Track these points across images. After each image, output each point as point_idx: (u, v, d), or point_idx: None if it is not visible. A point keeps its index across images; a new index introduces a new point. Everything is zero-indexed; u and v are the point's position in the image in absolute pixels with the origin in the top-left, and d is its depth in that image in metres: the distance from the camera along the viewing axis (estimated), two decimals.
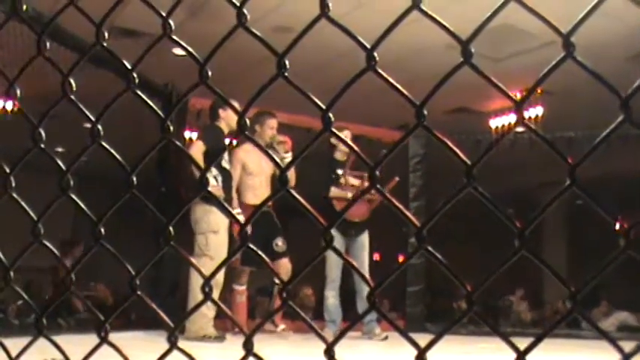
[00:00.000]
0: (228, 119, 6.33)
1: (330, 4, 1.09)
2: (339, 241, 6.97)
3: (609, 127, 0.94)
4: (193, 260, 5.77)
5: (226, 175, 6.43)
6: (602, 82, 0.95)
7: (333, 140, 6.95)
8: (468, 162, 1.03)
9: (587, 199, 0.94)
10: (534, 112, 10.79)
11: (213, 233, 6.10)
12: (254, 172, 7.00)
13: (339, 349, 1.06)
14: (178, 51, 8.60)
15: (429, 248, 1.05)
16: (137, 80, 1.27)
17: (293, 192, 1.14)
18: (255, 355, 1.14)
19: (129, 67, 1.27)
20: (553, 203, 0.98)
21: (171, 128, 1.27)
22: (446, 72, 1.04)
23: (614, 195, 5.38)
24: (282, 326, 7.16)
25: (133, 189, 1.26)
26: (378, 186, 1.09)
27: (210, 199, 5.32)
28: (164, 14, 1.24)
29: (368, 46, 1.09)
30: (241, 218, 6.57)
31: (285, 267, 6.92)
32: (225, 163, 6.44)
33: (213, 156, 5.83)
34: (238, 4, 1.16)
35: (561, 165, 0.99)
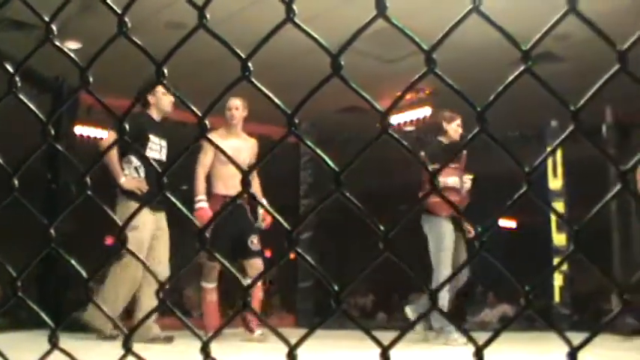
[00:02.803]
0: (159, 104, 5.98)
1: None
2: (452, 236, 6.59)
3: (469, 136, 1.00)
4: (117, 261, 5.40)
5: (151, 166, 6.01)
6: (460, 96, 1.00)
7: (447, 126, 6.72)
8: (336, 169, 1.06)
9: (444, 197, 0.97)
10: (422, 112, 11.11)
11: (133, 229, 5.49)
12: (223, 160, 6.31)
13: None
14: (72, 44, 8.41)
15: (299, 250, 1.08)
16: (24, 77, 1.25)
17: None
18: (135, 355, 1.13)
19: (11, 70, 1.25)
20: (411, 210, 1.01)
21: (52, 132, 1.24)
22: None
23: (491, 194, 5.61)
24: (258, 332, 6.35)
25: (16, 191, 1.23)
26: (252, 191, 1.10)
27: (132, 193, 5.09)
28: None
29: (243, 56, 1.10)
30: (205, 206, 6.26)
31: (256, 267, 6.38)
32: (153, 153, 5.85)
33: (132, 147, 5.52)
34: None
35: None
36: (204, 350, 1.09)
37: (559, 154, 11.90)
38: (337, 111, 10.78)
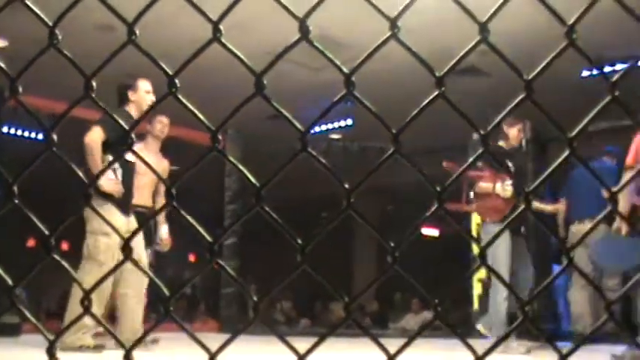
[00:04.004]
0: (139, 102, 5.77)
1: None
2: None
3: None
4: (82, 263, 5.26)
5: (127, 169, 5.77)
6: (377, 118, 1.04)
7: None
8: (257, 184, 1.08)
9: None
10: (344, 122, 11.21)
11: (104, 235, 5.47)
12: (141, 171, 6.38)
13: None
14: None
15: (220, 262, 1.10)
16: None
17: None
18: None
19: None
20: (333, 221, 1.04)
21: None
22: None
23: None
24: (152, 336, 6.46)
25: None
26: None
27: (109, 196, 4.77)
28: None
29: (170, 73, 1.12)
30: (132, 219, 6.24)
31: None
32: (128, 156, 5.63)
33: (115, 145, 5.30)
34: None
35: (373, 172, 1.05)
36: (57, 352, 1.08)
37: None
38: (265, 118, 10.78)
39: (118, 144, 5.24)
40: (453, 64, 1.07)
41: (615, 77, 1.05)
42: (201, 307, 13.46)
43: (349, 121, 11.02)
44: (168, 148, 6.92)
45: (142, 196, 6.47)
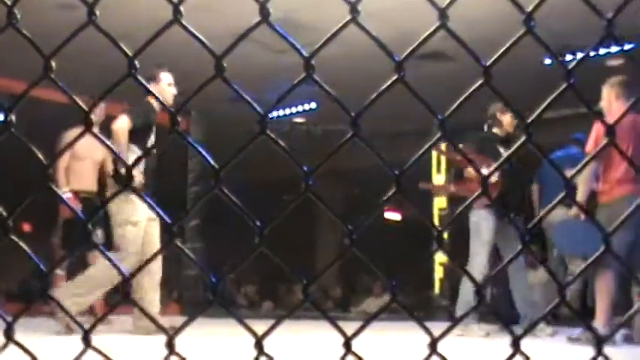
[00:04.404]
0: (161, 94, 5.58)
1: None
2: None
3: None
4: (113, 255, 5.21)
5: (150, 159, 5.71)
6: (337, 103, 1.04)
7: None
8: (216, 166, 1.09)
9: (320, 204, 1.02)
10: (308, 106, 11.19)
11: (132, 225, 5.46)
12: (81, 155, 6.67)
13: None
14: None
15: (178, 244, 1.10)
16: None
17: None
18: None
19: None
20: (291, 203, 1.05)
21: None
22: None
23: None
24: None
25: None
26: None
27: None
28: None
29: (130, 54, 1.11)
30: (70, 196, 6.55)
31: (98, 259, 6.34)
32: (150, 144, 5.66)
33: (140, 135, 5.33)
34: None
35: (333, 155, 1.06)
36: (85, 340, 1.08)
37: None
38: (227, 100, 10.73)
39: (141, 132, 5.37)
40: (412, 49, 1.08)
41: (571, 65, 1.07)
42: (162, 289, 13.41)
43: (313, 105, 11.01)
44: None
45: (84, 182, 6.65)
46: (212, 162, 1.08)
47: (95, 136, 1.17)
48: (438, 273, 11.37)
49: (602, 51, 8.65)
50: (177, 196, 9.79)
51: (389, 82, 1.06)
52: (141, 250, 5.47)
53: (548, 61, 9.04)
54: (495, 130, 6.77)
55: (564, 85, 1.05)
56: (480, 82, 1.04)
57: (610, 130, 1.14)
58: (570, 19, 6.71)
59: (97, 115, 6.59)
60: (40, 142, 1.19)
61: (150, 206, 1.12)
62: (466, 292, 6.36)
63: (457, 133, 1.16)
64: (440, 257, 11.99)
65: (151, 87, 5.72)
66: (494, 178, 6.29)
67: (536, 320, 1.70)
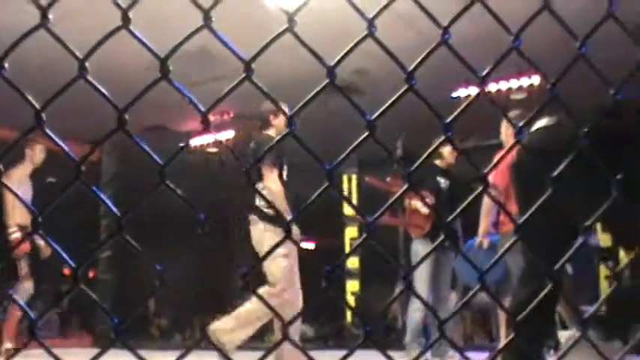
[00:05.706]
0: (279, 127, 5.45)
1: None
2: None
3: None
4: (262, 291, 5.39)
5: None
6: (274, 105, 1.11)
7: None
8: (118, 214, 1.10)
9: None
10: (226, 135, 11.16)
11: (284, 257, 5.21)
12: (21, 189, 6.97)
13: None
14: None
15: (83, 286, 1.13)
16: None
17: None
18: None
19: None
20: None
21: None
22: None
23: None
24: (7, 345, 6.81)
25: None
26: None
27: (278, 219, 4.94)
28: None
29: (80, 56, 1.12)
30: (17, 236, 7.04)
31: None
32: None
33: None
34: None
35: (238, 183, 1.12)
36: None
37: (354, 180, 12.49)
38: (146, 129, 10.61)
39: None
40: (342, 56, 1.14)
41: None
42: (75, 321, 12.99)
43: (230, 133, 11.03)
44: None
45: (22, 216, 6.90)
46: (114, 210, 1.09)
47: (86, 185, 1.15)
48: (350, 302, 11.45)
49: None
50: (92, 225, 9.63)
51: (319, 88, 1.12)
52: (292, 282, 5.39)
53: (455, 95, 9.35)
54: (437, 162, 6.93)
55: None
56: (364, 134, 1.11)
57: (483, 178, 1.22)
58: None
59: (38, 159, 7.30)
60: None
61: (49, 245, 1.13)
62: (411, 316, 6.66)
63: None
64: (352, 286, 12.10)
65: (272, 120, 5.56)
66: (425, 210, 6.57)
67: (428, 345, 1.77)
